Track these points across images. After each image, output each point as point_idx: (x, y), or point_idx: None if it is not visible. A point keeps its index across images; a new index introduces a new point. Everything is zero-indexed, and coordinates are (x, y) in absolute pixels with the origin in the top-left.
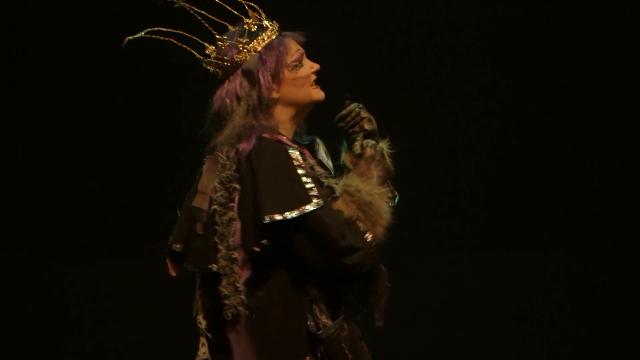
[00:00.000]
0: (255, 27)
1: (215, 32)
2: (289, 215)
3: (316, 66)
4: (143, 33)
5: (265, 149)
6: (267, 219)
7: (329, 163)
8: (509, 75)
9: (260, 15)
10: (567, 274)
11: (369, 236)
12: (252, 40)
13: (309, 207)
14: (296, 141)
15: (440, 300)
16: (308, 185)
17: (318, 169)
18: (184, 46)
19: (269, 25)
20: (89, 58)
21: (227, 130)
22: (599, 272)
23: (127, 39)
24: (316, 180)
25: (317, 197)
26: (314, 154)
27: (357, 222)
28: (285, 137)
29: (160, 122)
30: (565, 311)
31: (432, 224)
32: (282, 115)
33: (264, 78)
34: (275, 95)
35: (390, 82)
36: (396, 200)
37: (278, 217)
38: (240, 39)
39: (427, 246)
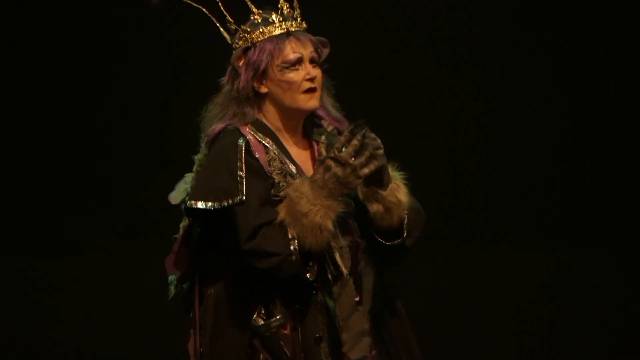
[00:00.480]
0: (261, 19)
1: (228, 15)
2: (211, 205)
3: (312, 73)
4: None
5: (222, 136)
6: (189, 204)
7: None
8: (508, 75)
9: (283, 8)
10: (567, 274)
11: (294, 242)
12: (253, 32)
13: (230, 202)
14: (311, 137)
15: (439, 299)
16: (240, 180)
17: (276, 164)
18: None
19: (275, 20)
20: (56, 58)
21: (210, 112)
22: (599, 272)
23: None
24: (262, 176)
25: (242, 193)
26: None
27: (288, 227)
28: (250, 129)
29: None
30: (565, 311)
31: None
32: (270, 112)
33: (244, 70)
34: (259, 88)
35: (390, 81)
36: (398, 241)
37: (200, 204)
38: (244, 27)
39: (428, 245)
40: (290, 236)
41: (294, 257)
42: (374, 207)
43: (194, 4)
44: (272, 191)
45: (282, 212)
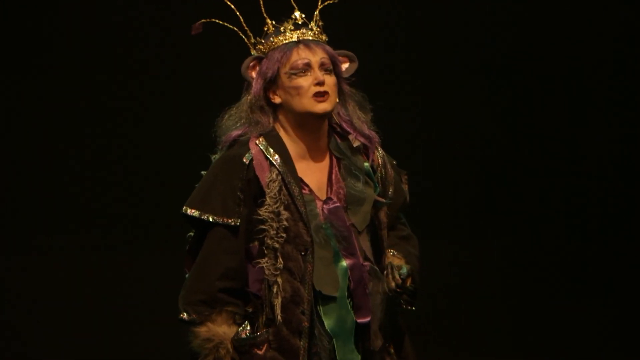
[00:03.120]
0: (273, 29)
1: (246, 28)
2: (206, 216)
3: (320, 78)
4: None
5: (234, 146)
6: (184, 209)
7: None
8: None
9: (297, 18)
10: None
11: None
12: (265, 42)
13: (223, 220)
14: (332, 152)
15: None
16: (238, 202)
17: (274, 186)
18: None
19: (286, 30)
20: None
21: (227, 120)
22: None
23: (200, 22)
24: (255, 199)
25: (237, 216)
26: (347, 168)
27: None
28: (260, 143)
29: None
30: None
31: None
32: (286, 123)
33: (256, 80)
34: (273, 99)
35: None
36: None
37: (195, 213)
38: (259, 39)
39: None
40: (198, 323)
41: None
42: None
43: (221, 22)
44: (258, 209)
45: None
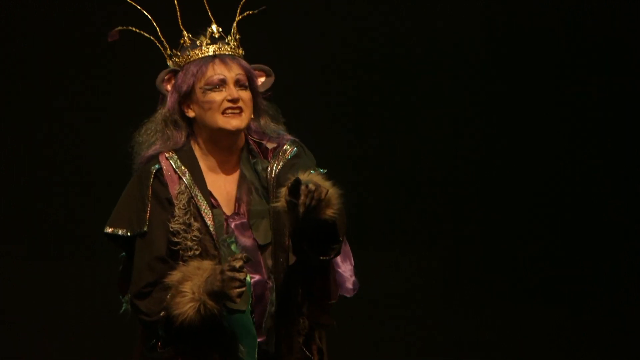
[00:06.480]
0: (189, 42)
1: (165, 41)
2: (122, 232)
3: (234, 95)
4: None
5: (143, 165)
6: (105, 229)
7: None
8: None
9: (214, 32)
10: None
11: (164, 311)
12: (181, 55)
13: (137, 230)
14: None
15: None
16: (146, 209)
17: (183, 198)
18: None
19: (202, 44)
20: None
21: (142, 137)
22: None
23: (117, 29)
24: (168, 204)
25: (145, 223)
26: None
27: (169, 294)
28: (170, 156)
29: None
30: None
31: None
32: (200, 136)
33: (171, 94)
34: (187, 112)
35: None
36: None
37: (113, 231)
38: (175, 51)
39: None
40: (164, 304)
41: (159, 323)
42: (329, 213)
43: (137, 31)
44: (170, 222)
45: (174, 276)
